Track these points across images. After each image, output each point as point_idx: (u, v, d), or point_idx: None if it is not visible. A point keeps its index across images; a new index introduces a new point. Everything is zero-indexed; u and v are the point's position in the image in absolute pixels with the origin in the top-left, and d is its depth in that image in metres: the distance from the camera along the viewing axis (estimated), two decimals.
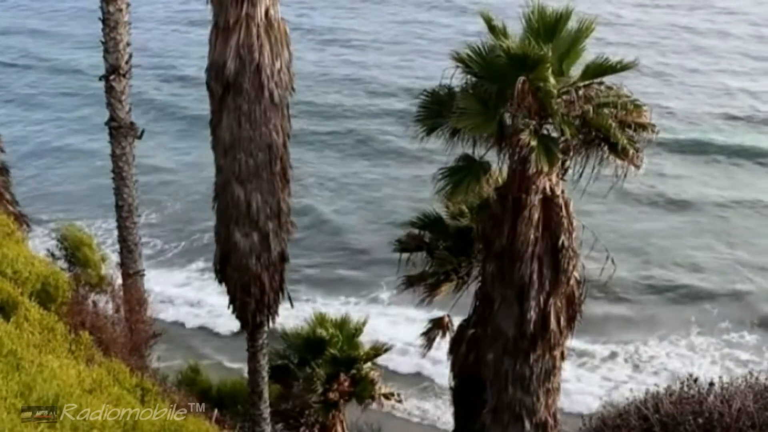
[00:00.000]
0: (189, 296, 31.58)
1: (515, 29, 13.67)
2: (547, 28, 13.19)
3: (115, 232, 20.20)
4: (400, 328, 28.21)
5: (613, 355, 27.60)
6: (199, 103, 45.27)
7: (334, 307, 26.49)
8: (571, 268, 13.84)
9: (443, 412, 24.13)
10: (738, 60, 50.83)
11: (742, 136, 41.61)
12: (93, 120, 41.41)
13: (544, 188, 13.47)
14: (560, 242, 13.64)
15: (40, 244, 22.36)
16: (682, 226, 34.43)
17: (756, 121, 43.40)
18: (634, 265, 30.51)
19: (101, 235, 30.18)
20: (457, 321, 17.18)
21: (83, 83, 48.66)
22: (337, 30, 56.98)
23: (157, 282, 30.33)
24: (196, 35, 52.76)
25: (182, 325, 30.02)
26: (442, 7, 61.66)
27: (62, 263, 18.39)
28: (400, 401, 20.82)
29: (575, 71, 13.62)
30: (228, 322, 27.72)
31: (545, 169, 12.87)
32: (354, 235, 34.96)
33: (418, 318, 27.24)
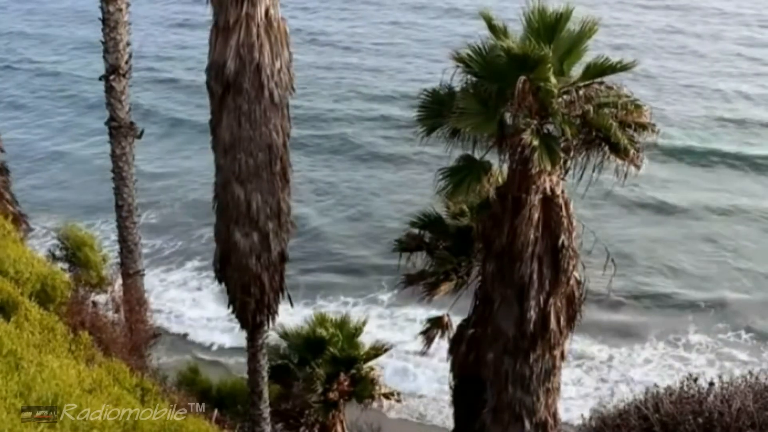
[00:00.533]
0: (187, 296, 31.53)
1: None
2: (548, 28, 13.19)
3: (115, 233, 20.22)
4: (397, 330, 28.25)
5: (610, 358, 27.64)
6: (183, 105, 45.33)
7: (330, 309, 26.45)
8: (571, 267, 13.85)
9: (443, 412, 24.13)
10: (729, 63, 50.38)
11: (732, 140, 41.28)
12: (92, 120, 41.53)
13: (545, 188, 13.47)
14: (560, 242, 13.64)
15: (40, 244, 22.37)
16: (674, 231, 34.22)
17: (748, 125, 42.97)
18: (627, 269, 30.25)
19: (99, 236, 30.12)
20: (457, 321, 17.18)
21: (79, 85, 48.83)
22: (324, 32, 56.53)
23: (155, 282, 30.49)
24: (180, 38, 52.70)
25: (180, 325, 29.94)
26: (432, 8, 61.25)
27: (63, 263, 18.36)
28: (399, 401, 20.84)
29: (575, 71, 13.64)
30: (226, 323, 27.90)
31: (548, 168, 12.88)
32: (350, 240, 34.89)
33: (417, 320, 27.45)
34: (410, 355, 26.55)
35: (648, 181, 34.05)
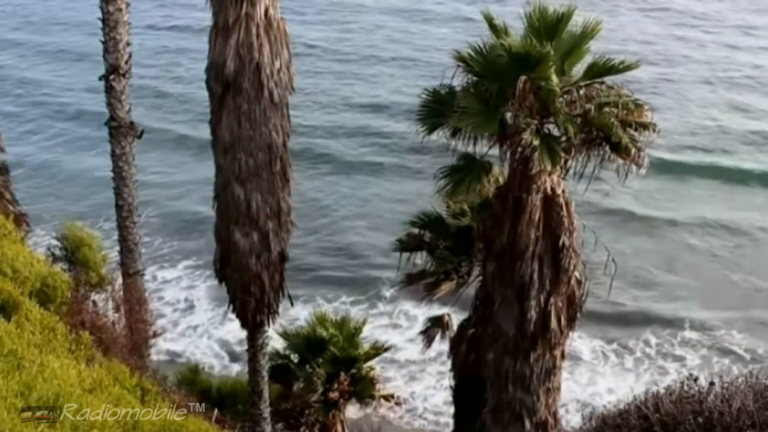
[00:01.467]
0: (185, 295, 31.49)
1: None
2: (548, 27, 13.18)
3: (116, 232, 20.21)
4: (397, 333, 28.29)
5: (605, 357, 27.67)
6: (153, 110, 44.93)
7: (330, 309, 26.40)
8: (571, 267, 13.84)
9: (443, 413, 24.14)
10: (715, 71, 49.53)
11: (712, 151, 40.77)
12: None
13: (545, 188, 13.46)
14: (561, 242, 13.63)
15: (40, 243, 22.33)
16: (656, 242, 33.88)
17: (730, 136, 42.23)
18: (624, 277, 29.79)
19: (101, 236, 30.03)
20: (458, 320, 17.17)
21: (60, 91, 48.67)
22: (303, 36, 55.59)
23: (154, 281, 30.48)
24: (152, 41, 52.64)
25: (188, 322, 29.92)
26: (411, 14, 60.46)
27: (63, 263, 18.34)
28: (399, 404, 20.87)
29: (575, 71, 13.63)
30: (226, 323, 27.88)
31: (548, 168, 12.87)
32: (349, 240, 34.84)
33: (418, 320, 27.45)
34: (411, 354, 26.60)
35: (628, 193, 33.79)
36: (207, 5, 15.26)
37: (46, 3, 63.32)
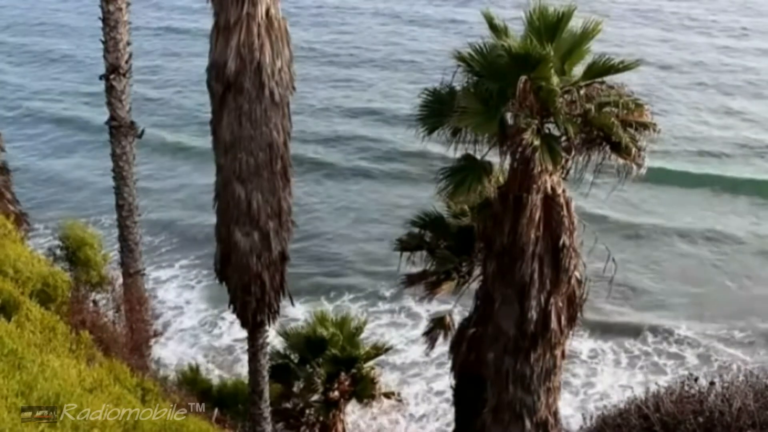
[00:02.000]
0: (184, 295, 31.43)
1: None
2: (548, 27, 13.18)
3: (114, 232, 20.27)
4: (399, 335, 28.28)
5: (603, 354, 27.70)
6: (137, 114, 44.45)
7: (331, 309, 26.31)
8: (572, 267, 13.83)
9: (443, 412, 24.16)
10: (708, 76, 49.06)
11: (695, 160, 40.50)
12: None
13: (546, 187, 13.46)
14: (561, 241, 13.62)
15: (42, 243, 22.34)
16: (643, 251, 33.72)
17: (725, 145, 41.75)
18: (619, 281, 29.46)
19: (103, 234, 29.96)
20: (463, 316, 17.17)
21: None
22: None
23: (153, 280, 30.42)
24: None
25: (178, 324, 29.87)
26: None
27: (64, 263, 18.36)
28: (400, 401, 20.89)
29: (576, 71, 13.63)
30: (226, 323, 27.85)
31: (549, 167, 12.86)
32: (350, 240, 34.85)
33: (418, 319, 27.47)
34: (411, 355, 26.61)
35: (619, 201, 33.70)
36: (208, 5, 15.28)
37: (38, 4, 63.34)
